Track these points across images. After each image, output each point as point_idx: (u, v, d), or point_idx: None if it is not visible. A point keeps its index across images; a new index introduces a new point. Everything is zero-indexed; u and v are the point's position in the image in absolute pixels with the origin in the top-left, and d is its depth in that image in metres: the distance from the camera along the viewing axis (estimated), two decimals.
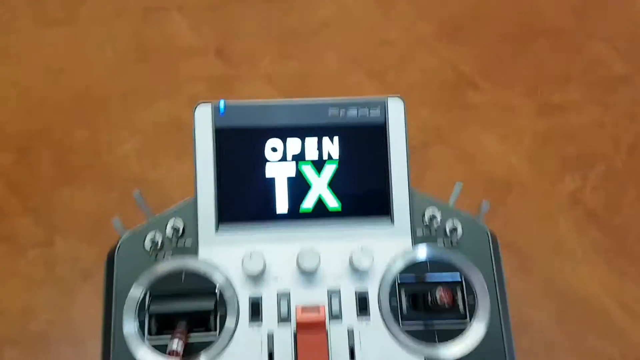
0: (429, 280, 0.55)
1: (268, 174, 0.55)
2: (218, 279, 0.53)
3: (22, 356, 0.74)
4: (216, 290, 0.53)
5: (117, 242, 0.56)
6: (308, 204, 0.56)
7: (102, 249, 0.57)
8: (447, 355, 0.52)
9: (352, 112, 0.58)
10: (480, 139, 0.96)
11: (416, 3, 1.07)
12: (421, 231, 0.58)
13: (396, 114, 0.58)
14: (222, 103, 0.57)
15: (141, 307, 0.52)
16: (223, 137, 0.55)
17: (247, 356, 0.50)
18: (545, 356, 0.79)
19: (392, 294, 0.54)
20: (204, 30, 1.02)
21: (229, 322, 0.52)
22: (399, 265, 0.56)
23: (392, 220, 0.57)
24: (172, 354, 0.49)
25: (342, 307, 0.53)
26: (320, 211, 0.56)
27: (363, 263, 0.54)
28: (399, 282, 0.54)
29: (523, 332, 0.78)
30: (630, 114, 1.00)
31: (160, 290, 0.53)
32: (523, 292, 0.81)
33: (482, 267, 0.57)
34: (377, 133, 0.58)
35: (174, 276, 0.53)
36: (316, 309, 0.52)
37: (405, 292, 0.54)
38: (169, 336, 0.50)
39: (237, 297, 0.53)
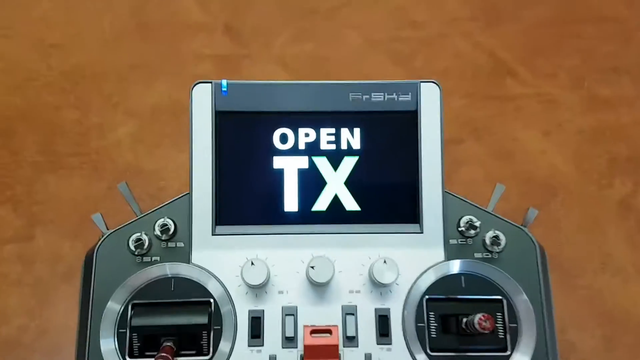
0: (463, 298, 0.51)
1: (276, 167, 0.52)
2: (213, 290, 0.51)
3: None
4: (210, 303, 0.50)
5: (97, 242, 0.52)
6: (321, 204, 0.53)
7: (87, 247, 0.54)
8: None
9: (378, 97, 0.53)
10: (519, 135, 0.90)
11: None
12: (455, 240, 0.54)
13: (430, 100, 0.53)
14: (224, 82, 0.53)
15: (122, 320, 0.50)
16: (224, 121, 0.52)
17: None
18: None
19: (418, 314, 0.51)
20: (211, 4, 0.98)
21: (225, 342, 0.49)
22: (428, 280, 0.52)
23: (421, 227, 0.53)
24: None
25: (358, 329, 0.50)
26: (336, 213, 0.53)
27: (386, 277, 0.50)
28: (427, 299, 0.51)
29: None
30: None
31: (145, 300, 0.50)
32: (566, 312, 0.77)
33: (527, 287, 0.52)
34: (407, 123, 0.53)
35: (162, 284, 0.51)
36: (328, 330, 0.49)
37: (434, 312, 0.51)
38: (153, 358, 0.47)
39: (234, 312, 0.50)
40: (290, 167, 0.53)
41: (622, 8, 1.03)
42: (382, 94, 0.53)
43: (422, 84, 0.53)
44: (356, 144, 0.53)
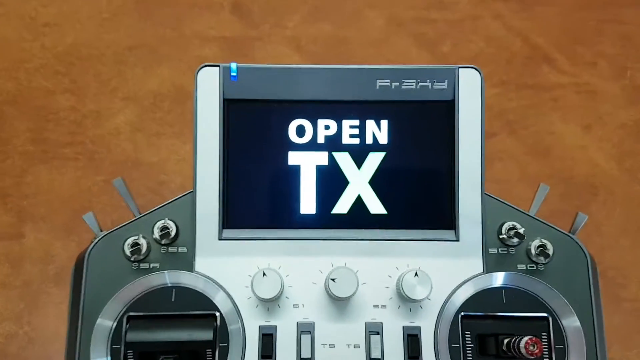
0: (503, 316, 0.49)
1: (291, 163, 0.50)
2: (219, 302, 0.48)
3: None
4: (216, 317, 0.48)
5: (89, 245, 0.50)
6: (343, 206, 0.50)
7: (81, 246, 0.53)
8: None
9: (409, 85, 0.50)
10: (557, 128, 0.88)
11: None
12: (495, 250, 0.50)
13: (470, 89, 0.50)
14: (233, 66, 0.50)
15: (116, 335, 0.47)
16: (233, 110, 0.50)
17: None
18: None
19: (453, 333, 0.48)
20: None
21: None
22: (464, 294, 0.49)
23: (456, 234, 0.50)
24: None
25: (384, 350, 0.47)
26: (359, 216, 0.50)
27: (417, 292, 0.47)
28: (462, 317, 0.48)
29: None
30: None
31: (142, 312, 0.48)
32: (611, 328, 0.72)
33: (576, 304, 0.49)
34: (442, 114, 0.50)
35: (161, 294, 0.48)
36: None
37: (471, 331, 0.48)
38: None
39: (243, 328, 0.47)
40: (307, 163, 0.50)
41: None
42: (414, 81, 0.50)
43: (460, 69, 0.50)
44: (383, 138, 0.50)
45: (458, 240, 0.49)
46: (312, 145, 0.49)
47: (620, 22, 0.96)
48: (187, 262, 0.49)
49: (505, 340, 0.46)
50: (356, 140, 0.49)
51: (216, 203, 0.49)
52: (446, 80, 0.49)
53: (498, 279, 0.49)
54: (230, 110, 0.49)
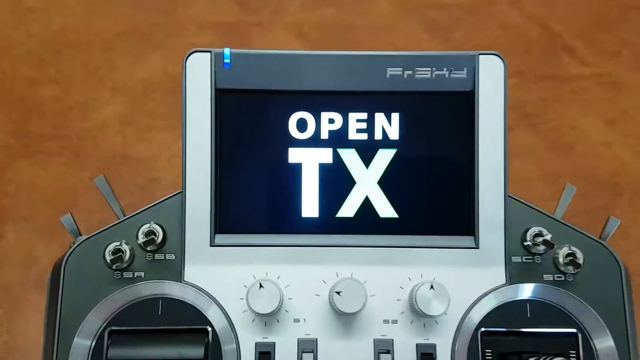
0: (528, 332, 0.46)
1: (292, 161, 0.47)
2: (211, 315, 0.46)
3: None
4: (207, 332, 0.45)
5: (67, 251, 0.47)
6: (349, 209, 0.47)
7: (65, 249, 0.49)
8: None
9: (423, 74, 0.47)
10: (579, 123, 0.85)
11: None
12: (519, 258, 0.47)
13: (491, 78, 0.47)
14: (227, 51, 0.47)
15: (96, 351, 0.45)
16: (227, 102, 0.47)
17: None
18: None
19: (472, 351, 0.46)
20: None
21: None
22: (485, 308, 0.46)
23: (476, 241, 0.47)
24: None
25: None
26: (367, 220, 0.47)
27: (434, 308, 0.43)
28: (482, 333, 0.46)
29: None
30: None
31: (126, 326, 0.45)
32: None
33: (608, 319, 0.46)
34: (460, 107, 0.47)
35: (146, 307, 0.46)
36: None
37: (491, 349, 0.46)
38: None
39: (237, 345, 0.45)
40: (309, 161, 0.47)
41: None
42: (429, 69, 0.46)
43: (480, 56, 0.47)
44: (394, 134, 0.47)
45: (478, 248, 0.46)
46: (315, 141, 0.47)
47: None
48: (175, 271, 0.46)
49: None
50: (364, 136, 0.47)
51: (208, 205, 0.46)
52: (465, 69, 0.46)
53: (522, 290, 0.46)
54: (223, 101, 0.46)
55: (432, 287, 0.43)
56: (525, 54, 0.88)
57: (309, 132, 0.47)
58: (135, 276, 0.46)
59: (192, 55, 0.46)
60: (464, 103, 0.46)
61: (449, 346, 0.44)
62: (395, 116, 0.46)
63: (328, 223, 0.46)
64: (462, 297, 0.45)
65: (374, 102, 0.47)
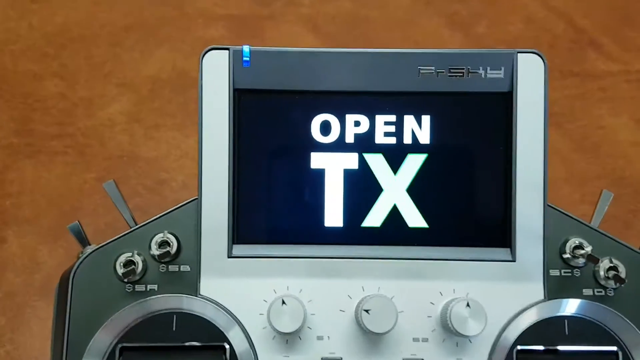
0: (566, 351, 0.44)
1: (314, 167, 0.46)
2: (229, 332, 0.44)
3: None
4: (225, 349, 0.44)
5: (75, 263, 0.45)
6: (375, 218, 0.46)
7: (70, 253, 0.50)
8: None
9: (457, 73, 0.45)
10: (607, 122, 0.83)
11: None
12: (557, 272, 0.45)
13: (531, 79, 0.45)
14: (246, 49, 0.45)
15: None
16: (246, 103, 0.45)
17: None
18: None
19: None
20: None
21: None
22: (521, 325, 0.44)
23: (512, 254, 0.45)
24: None
25: None
26: (395, 230, 0.46)
27: (470, 328, 0.41)
28: (518, 352, 0.44)
29: None
30: None
31: (138, 343, 0.44)
32: None
33: None
34: (497, 109, 0.45)
35: (160, 322, 0.44)
36: None
37: None
38: None
39: None
40: (333, 167, 0.45)
41: None
42: (464, 68, 0.44)
43: (519, 54, 0.44)
44: (424, 138, 0.44)
45: (514, 261, 0.44)
46: (340, 146, 0.45)
47: None
48: (190, 284, 0.44)
49: None
50: (392, 140, 0.45)
51: (225, 214, 0.44)
52: (502, 68, 0.44)
53: (561, 306, 0.44)
54: (241, 102, 0.44)
55: (468, 305, 0.40)
56: (550, 50, 0.85)
57: (333, 136, 0.44)
58: (148, 289, 0.44)
59: (208, 53, 0.44)
60: (500, 105, 0.44)
61: None
62: (426, 119, 0.44)
63: (353, 233, 0.45)
64: (498, 314, 0.43)
65: (404, 104, 0.44)
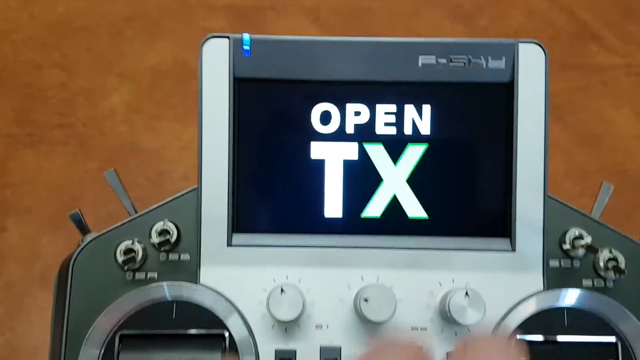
0: (565, 340, 0.44)
1: (314, 157, 0.46)
2: (228, 320, 0.44)
3: None
4: (224, 337, 0.44)
5: (76, 250, 0.45)
6: (375, 208, 0.45)
7: (70, 243, 0.48)
8: None
9: (458, 62, 0.45)
10: (608, 115, 0.84)
11: None
12: (557, 262, 0.45)
13: (532, 69, 0.45)
14: (246, 37, 0.45)
15: (107, 356, 0.43)
16: (246, 92, 0.45)
17: None
18: None
19: None
20: None
21: None
22: (520, 315, 0.45)
23: (512, 244, 0.45)
24: None
25: None
26: (395, 221, 0.46)
27: (469, 317, 0.41)
28: (518, 341, 0.44)
29: None
30: None
31: (137, 330, 0.44)
32: None
33: None
34: (498, 99, 0.45)
35: (160, 310, 0.45)
36: None
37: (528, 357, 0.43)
38: None
39: (256, 352, 0.44)
40: (333, 157, 0.45)
41: None
42: (465, 57, 0.44)
43: (520, 44, 0.44)
44: (425, 128, 0.44)
45: (514, 251, 0.44)
46: (340, 135, 0.45)
47: None
48: (190, 272, 0.44)
49: None
50: (392, 130, 0.45)
51: (225, 203, 0.44)
52: (503, 58, 0.44)
53: (560, 297, 0.44)
54: (241, 91, 0.44)
55: (467, 294, 0.41)
56: (552, 43, 0.85)
57: (333, 126, 0.44)
58: (147, 277, 0.44)
59: (208, 41, 0.44)
60: (501, 95, 0.44)
61: None
62: (426, 108, 0.44)
63: (353, 223, 0.45)
64: (497, 304, 0.43)
65: (404, 93, 0.44)
